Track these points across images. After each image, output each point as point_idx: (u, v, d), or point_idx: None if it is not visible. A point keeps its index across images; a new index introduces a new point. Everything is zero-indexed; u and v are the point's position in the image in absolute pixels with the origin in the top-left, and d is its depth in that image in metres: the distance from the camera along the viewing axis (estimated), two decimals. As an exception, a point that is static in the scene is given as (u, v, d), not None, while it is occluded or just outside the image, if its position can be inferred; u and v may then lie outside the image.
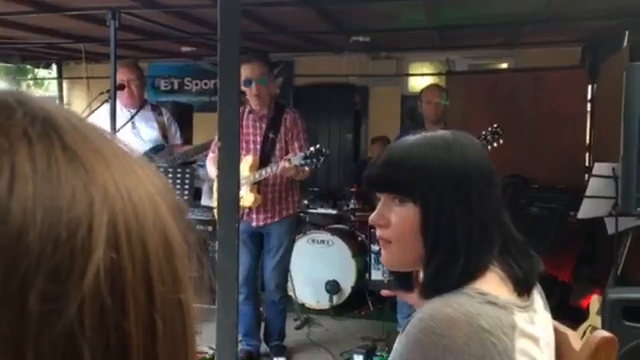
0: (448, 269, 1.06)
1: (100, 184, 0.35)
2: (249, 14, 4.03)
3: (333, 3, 4.03)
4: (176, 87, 7.60)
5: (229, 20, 2.70)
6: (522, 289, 1.08)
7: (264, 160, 3.78)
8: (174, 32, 4.88)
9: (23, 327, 0.31)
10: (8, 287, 0.31)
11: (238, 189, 2.85)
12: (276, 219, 3.88)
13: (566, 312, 3.71)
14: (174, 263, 0.37)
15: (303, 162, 3.51)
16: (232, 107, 2.77)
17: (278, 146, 3.80)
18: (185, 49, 6.07)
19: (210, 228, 4.97)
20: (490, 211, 1.08)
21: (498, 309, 1.01)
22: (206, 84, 7.39)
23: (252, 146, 3.80)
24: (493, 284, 1.05)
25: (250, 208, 3.77)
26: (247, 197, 3.70)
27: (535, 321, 1.08)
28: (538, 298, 1.14)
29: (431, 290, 1.07)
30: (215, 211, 4.09)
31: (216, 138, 3.90)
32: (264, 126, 3.84)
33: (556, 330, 1.16)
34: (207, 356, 1.59)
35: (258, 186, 3.77)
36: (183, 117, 5.22)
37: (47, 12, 4.08)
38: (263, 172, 3.68)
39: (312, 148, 3.51)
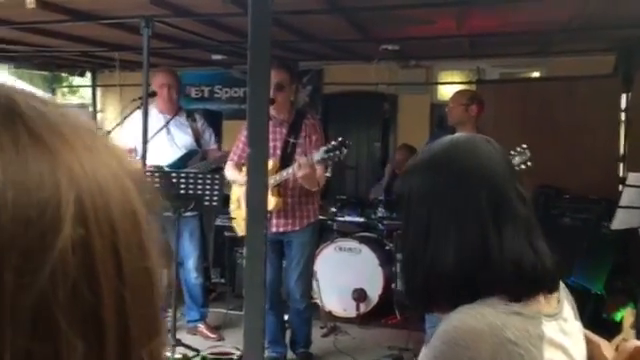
0: (443, 285, 1.05)
1: (65, 165, 0.37)
2: (279, 22, 4.06)
3: (362, 10, 4.04)
4: (206, 95, 7.69)
5: (259, 28, 2.72)
6: (527, 294, 1.05)
7: (284, 164, 3.79)
8: (205, 40, 4.94)
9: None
10: None
11: (266, 196, 2.86)
12: (297, 227, 3.87)
13: (599, 325, 3.63)
14: (140, 234, 0.40)
15: (325, 156, 3.49)
16: (261, 114, 2.79)
17: (299, 150, 3.81)
18: (216, 57, 6.14)
19: (238, 234, 5.01)
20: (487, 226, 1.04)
21: (525, 319, 0.99)
22: (236, 92, 7.46)
23: (272, 151, 3.82)
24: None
25: (270, 212, 3.77)
26: (268, 200, 3.71)
27: (565, 330, 1.05)
28: (568, 307, 1.11)
29: (422, 305, 1.10)
30: (233, 221, 4.13)
31: (236, 143, 3.94)
32: (284, 131, 3.86)
33: (588, 339, 1.14)
34: (234, 357, 1.59)
35: (279, 189, 3.78)
36: (213, 124, 5.27)
37: (82, 21, 4.18)
38: (284, 173, 3.69)
39: (333, 142, 3.50)
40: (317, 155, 3.52)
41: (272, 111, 3.83)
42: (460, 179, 1.08)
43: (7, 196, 0.34)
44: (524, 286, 1.04)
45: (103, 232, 0.37)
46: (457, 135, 1.18)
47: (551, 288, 1.08)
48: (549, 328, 1.01)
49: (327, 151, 3.49)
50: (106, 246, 0.37)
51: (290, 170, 3.65)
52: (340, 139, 3.48)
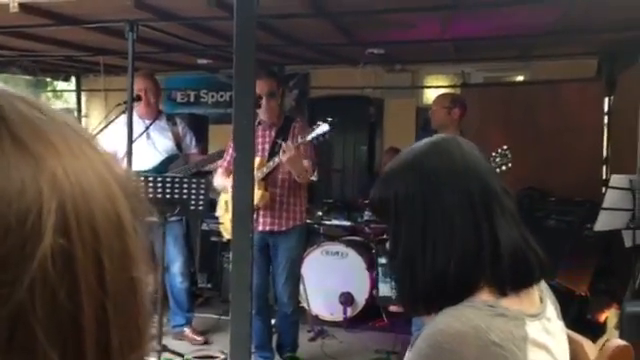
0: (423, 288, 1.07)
1: (49, 172, 0.36)
2: (265, 26, 4.06)
3: (348, 15, 4.05)
4: (192, 99, 7.67)
5: (245, 32, 2.72)
6: (520, 285, 1.06)
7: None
8: (191, 44, 4.93)
9: None
10: None
11: (252, 200, 2.86)
12: (283, 227, 3.87)
13: (583, 326, 3.67)
14: (125, 241, 0.39)
15: (313, 135, 3.50)
16: (247, 118, 2.79)
17: None
18: (201, 61, 6.13)
19: (225, 239, 5.00)
20: (469, 221, 1.06)
21: (509, 321, 1.00)
22: (222, 96, 7.45)
23: (260, 152, 3.82)
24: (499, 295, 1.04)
25: (257, 208, 3.75)
26: (255, 194, 3.70)
27: (549, 330, 1.06)
28: (551, 306, 1.12)
29: (423, 308, 1.09)
30: (220, 226, 4.11)
31: (229, 147, 3.93)
32: (273, 133, 3.89)
33: (570, 339, 1.15)
34: (219, 360, 1.59)
35: (265, 183, 3.78)
36: (199, 129, 5.27)
37: (66, 25, 4.15)
38: (270, 163, 3.70)
39: (318, 122, 3.52)
40: (301, 137, 3.53)
41: (262, 116, 3.85)
42: (448, 177, 1.09)
43: None
44: (517, 277, 1.05)
45: (85, 241, 0.36)
46: (436, 136, 1.19)
47: (539, 278, 1.10)
48: (532, 328, 1.02)
49: (312, 131, 3.50)
50: (88, 255, 0.36)
51: (276, 159, 3.65)
52: (324, 120, 3.50)
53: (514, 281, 1.04)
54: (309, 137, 3.50)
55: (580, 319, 4.05)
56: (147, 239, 0.42)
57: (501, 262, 1.03)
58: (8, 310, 0.33)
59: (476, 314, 0.99)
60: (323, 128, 3.47)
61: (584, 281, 4.44)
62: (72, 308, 0.35)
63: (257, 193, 3.67)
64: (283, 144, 3.58)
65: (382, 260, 4.99)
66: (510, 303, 1.03)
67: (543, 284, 1.15)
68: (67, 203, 0.36)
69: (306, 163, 3.70)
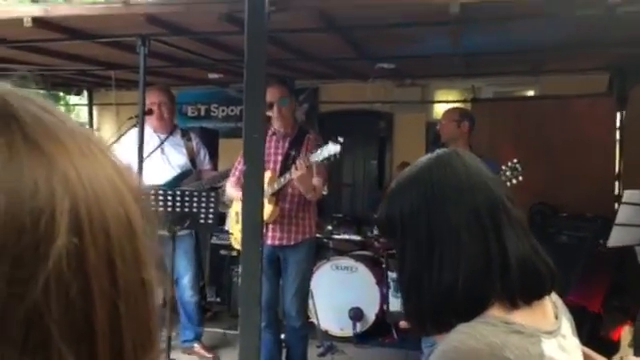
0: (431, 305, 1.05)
1: (61, 173, 0.36)
2: (275, 40, 4.08)
3: (358, 29, 4.07)
4: (203, 113, 7.71)
5: (256, 46, 2.74)
6: (531, 297, 1.04)
7: (283, 175, 3.79)
8: (202, 59, 4.96)
9: None
10: None
11: (262, 214, 2.86)
12: (292, 242, 3.86)
13: (597, 344, 3.61)
14: (136, 244, 0.39)
15: (321, 156, 3.47)
16: (257, 132, 2.79)
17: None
18: (212, 76, 6.16)
19: (234, 253, 4.99)
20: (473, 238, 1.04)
21: (524, 338, 0.98)
22: (232, 110, 7.49)
23: (272, 165, 3.82)
24: (512, 311, 1.02)
25: (267, 222, 3.74)
26: (265, 209, 3.69)
27: (564, 347, 1.04)
28: (566, 323, 1.11)
29: (431, 326, 1.07)
30: (231, 236, 4.10)
31: (238, 160, 3.93)
32: (286, 145, 3.88)
33: (586, 356, 1.13)
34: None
35: (276, 199, 3.77)
36: (209, 143, 5.28)
37: (79, 39, 4.19)
38: (282, 179, 3.68)
39: (328, 142, 3.49)
40: (313, 156, 3.52)
41: (276, 125, 3.85)
42: (452, 191, 1.07)
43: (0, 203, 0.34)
44: (528, 288, 1.03)
45: (98, 242, 0.36)
46: (437, 151, 1.18)
47: (550, 289, 1.08)
48: (548, 346, 1.00)
49: (320, 149, 3.47)
50: (101, 256, 0.36)
51: (287, 175, 3.64)
52: (332, 139, 3.48)
53: (525, 292, 1.03)
54: (320, 158, 3.48)
55: (593, 336, 4.00)
56: (157, 245, 0.43)
57: (510, 274, 1.02)
58: (24, 309, 0.33)
59: (491, 331, 0.97)
60: (334, 149, 3.45)
61: (597, 298, 4.39)
62: (85, 308, 0.35)
63: (268, 208, 3.66)
64: (297, 162, 3.57)
65: (393, 275, 4.95)
66: (524, 318, 1.01)
67: (558, 300, 1.13)
68: (80, 204, 0.36)
69: (316, 182, 3.69)
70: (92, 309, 0.36)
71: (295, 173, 3.54)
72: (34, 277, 0.33)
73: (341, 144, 3.45)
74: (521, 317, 1.01)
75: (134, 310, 0.38)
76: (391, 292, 4.91)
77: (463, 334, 0.98)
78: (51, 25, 3.80)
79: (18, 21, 3.59)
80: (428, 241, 1.06)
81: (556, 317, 1.08)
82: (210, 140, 5.77)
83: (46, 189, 0.35)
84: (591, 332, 4.09)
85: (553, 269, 1.07)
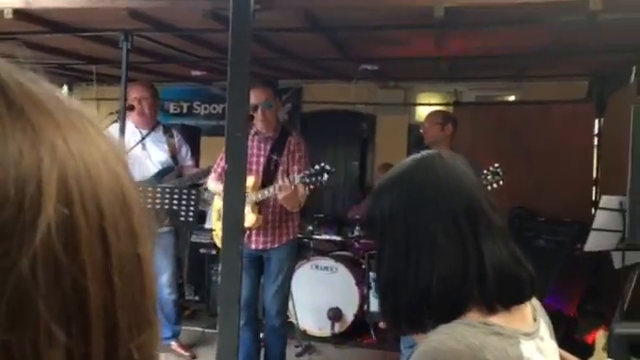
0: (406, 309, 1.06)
1: (49, 142, 0.34)
2: (259, 39, 4.07)
3: (343, 30, 4.07)
4: (185, 110, 7.66)
5: (240, 44, 2.73)
6: (509, 303, 1.05)
7: (266, 181, 3.78)
8: (185, 55, 4.93)
9: None
10: None
11: (243, 212, 2.85)
12: (276, 244, 3.86)
13: (572, 347, 3.66)
14: (131, 219, 0.38)
15: (307, 180, 3.50)
16: (240, 130, 2.78)
17: (281, 168, 3.82)
18: (195, 73, 6.13)
19: (214, 251, 4.96)
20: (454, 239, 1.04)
21: (503, 339, 0.99)
22: (214, 108, 7.45)
23: (255, 167, 3.81)
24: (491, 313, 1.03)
25: (250, 229, 3.75)
26: (248, 218, 3.69)
27: (542, 349, 1.05)
28: (544, 325, 1.12)
29: (406, 327, 1.08)
30: (213, 233, 4.09)
31: (221, 156, 3.92)
32: (268, 148, 3.87)
33: (562, 358, 1.14)
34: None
35: (259, 207, 3.76)
36: (191, 140, 5.25)
37: (60, 33, 4.14)
38: (266, 192, 3.67)
39: (316, 166, 3.51)
40: (298, 178, 3.52)
41: (259, 127, 3.84)
42: (432, 193, 1.08)
43: None
44: (506, 295, 1.04)
45: (89, 214, 0.35)
46: (422, 152, 1.18)
47: (530, 295, 1.08)
48: (527, 347, 1.01)
49: (309, 175, 3.49)
50: (93, 229, 0.34)
51: (271, 189, 3.64)
52: (322, 165, 3.50)
53: (503, 299, 1.03)
54: (306, 181, 3.50)
55: (568, 340, 4.05)
56: (154, 223, 0.42)
57: (487, 281, 1.02)
58: (10, 284, 0.31)
59: (470, 332, 0.98)
60: (323, 177, 3.47)
61: (573, 301, 4.45)
62: (77, 284, 0.33)
63: (251, 217, 3.66)
64: (280, 182, 3.57)
65: (373, 275, 4.97)
66: (502, 320, 1.02)
67: (537, 303, 1.14)
68: (69, 174, 0.34)
69: (301, 191, 3.70)
70: (84, 285, 0.34)
71: (280, 193, 3.54)
72: (20, 249, 0.32)
73: (329, 172, 3.47)
74: (500, 319, 1.02)
75: (129, 287, 0.37)
76: (372, 292, 4.93)
77: (443, 335, 0.98)
78: (32, 17, 3.75)
79: (-2, 12, 3.53)
80: (404, 242, 1.06)
81: (534, 319, 1.09)
82: (192, 137, 5.73)
83: (32, 157, 0.33)
84: (566, 335, 4.15)
85: (533, 276, 1.07)
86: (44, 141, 0.34)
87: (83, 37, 4.27)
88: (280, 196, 3.56)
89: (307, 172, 3.52)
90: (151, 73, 6.05)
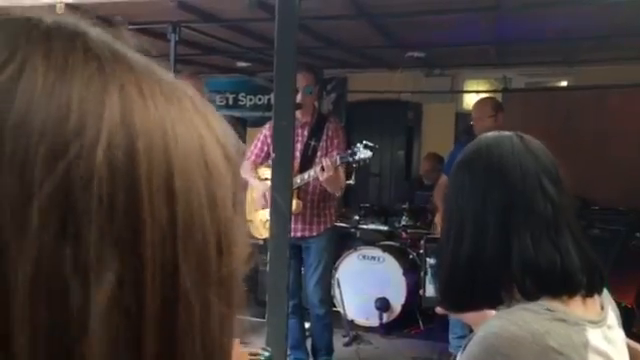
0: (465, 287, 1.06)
1: (118, 85, 0.32)
2: (305, 28, 4.05)
3: (389, 16, 4.02)
4: (231, 102, 7.72)
5: (286, 33, 2.72)
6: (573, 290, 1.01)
7: (304, 166, 3.75)
8: (231, 46, 4.96)
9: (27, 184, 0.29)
10: (13, 164, 0.29)
11: (291, 200, 2.85)
12: (314, 233, 3.86)
13: (629, 339, 3.54)
14: (212, 187, 0.34)
15: (350, 159, 3.46)
16: (287, 120, 2.78)
17: (319, 153, 3.79)
18: (240, 64, 6.16)
19: (261, 241, 4.99)
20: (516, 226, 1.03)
21: (568, 326, 0.95)
22: (260, 99, 7.48)
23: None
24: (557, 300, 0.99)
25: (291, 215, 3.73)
26: None
27: (610, 338, 1.01)
28: (612, 314, 1.07)
29: (458, 300, 1.09)
30: (251, 225, 4.10)
31: (255, 143, 3.92)
32: (306, 133, 3.85)
33: (631, 349, 1.09)
34: (262, 358, 1.57)
35: (298, 192, 3.76)
36: (237, 131, 5.28)
37: (109, 27, 4.21)
38: (305, 176, 3.66)
39: (358, 144, 3.47)
40: (339, 158, 3.50)
41: (297, 114, 3.83)
42: (481, 177, 1.08)
43: (41, 102, 0.30)
44: (548, 285, 1.00)
45: (154, 162, 0.31)
46: (488, 133, 1.17)
47: (588, 289, 1.03)
48: (593, 335, 0.97)
49: (351, 154, 3.46)
50: (155, 182, 0.31)
51: (312, 172, 3.62)
52: (364, 142, 3.46)
53: (555, 288, 1.00)
54: (349, 161, 3.47)
55: (625, 332, 3.92)
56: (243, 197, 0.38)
57: (522, 268, 1.01)
58: (60, 194, 0.29)
59: (533, 317, 0.94)
60: (365, 154, 3.43)
61: (630, 292, 4.30)
62: (131, 227, 0.30)
63: (292, 202, 3.65)
64: (323, 161, 3.54)
65: (431, 260, 4.90)
66: (567, 307, 0.98)
67: (604, 291, 1.09)
68: (134, 120, 0.32)
69: (342, 182, 3.68)
70: (139, 233, 0.31)
71: (322, 174, 3.51)
72: (72, 163, 0.29)
73: (374, 150, 3.42)
74: (564, 305, 0.98)
75: (196, 246, 0.33)
76: (427, 278, 4.87)
77: (505, 320, 0.95)
78: (82, 12, 3.82)
79: (51, 7, 3.62)
80: (459, 224, 1.08)
81: (602, 307, 1.05)
82: (238, 129, 5.78)
83: (94, 97, 0.31)
84: (624, 327, 4.01)
85: (581, 269, 1.03)
86: (114, 84, 0.32)
87: (131, 30, 4.34)
88: (322, 177, 3.53)
89: (349, 151, 3.49)
90: (197, 65, 6.12)
